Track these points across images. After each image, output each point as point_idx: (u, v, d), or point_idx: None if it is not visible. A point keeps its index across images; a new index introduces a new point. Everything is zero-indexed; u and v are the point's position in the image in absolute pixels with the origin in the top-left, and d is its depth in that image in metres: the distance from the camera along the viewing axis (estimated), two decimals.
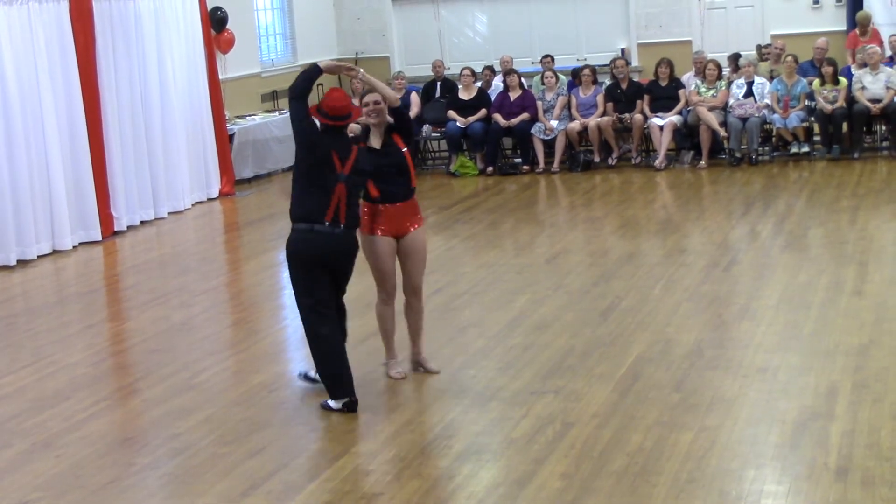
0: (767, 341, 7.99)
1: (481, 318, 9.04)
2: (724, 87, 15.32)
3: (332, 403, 7.11)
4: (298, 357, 8.63)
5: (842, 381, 7.09)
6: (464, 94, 16.31)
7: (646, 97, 15.63)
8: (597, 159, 15.74)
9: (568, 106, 15.89)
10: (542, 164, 15.77)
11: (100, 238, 12.99)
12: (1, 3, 12.00)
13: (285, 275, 11.48)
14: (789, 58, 15.19)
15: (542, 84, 16.12)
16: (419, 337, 7.72)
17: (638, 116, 15.50)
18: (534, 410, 6.93)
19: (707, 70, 15.42)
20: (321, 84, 18.25)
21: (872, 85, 14.88)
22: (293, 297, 7.34)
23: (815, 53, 15.82)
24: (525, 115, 15.81)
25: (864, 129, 15.44)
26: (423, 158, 16.85)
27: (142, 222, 13.90)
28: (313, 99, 7.51)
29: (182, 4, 14.90)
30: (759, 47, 16.75)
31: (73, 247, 12.69)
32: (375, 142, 7.38)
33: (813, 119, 15.08)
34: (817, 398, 6.84)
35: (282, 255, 12.02)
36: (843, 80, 14.96)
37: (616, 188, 14.56)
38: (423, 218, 7.62)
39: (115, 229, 13.40)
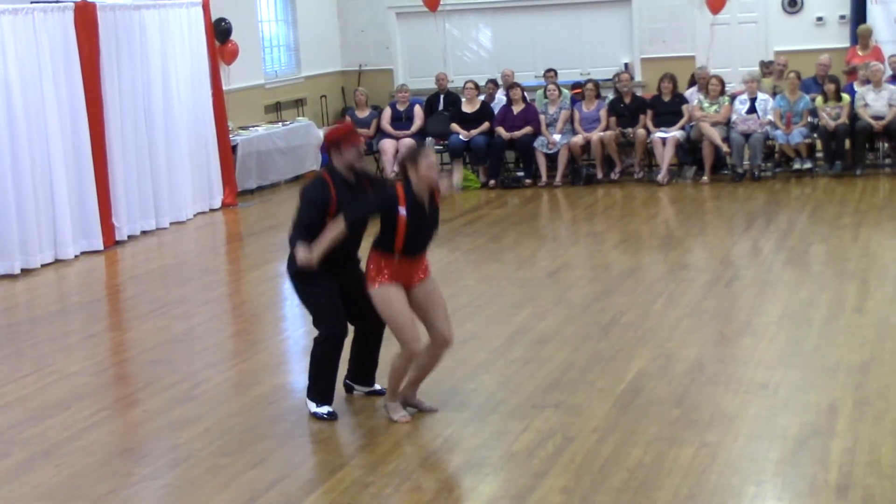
0: (768, 357, 7.98)
1: (482, 331, 9.03)
2: (726, 103, 15.34)
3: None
4: (299, 369, 8.62)
5: (843, 398, 7.09)
6: (467, 108, 16.33)
7: (649, 112, 15.64)
8: (599, 174, 15.74)
9: (571, 120, 15.91)
10: (544, 178, 15.78)
11: (102, 248, 12.99)
12: (6, 11, 12.03)
13: (286, 286, 11.52)
14: (792, 74, 15.22)
15: (546, 98, 16.14)
16: (422, 380, 7.20)
17: (641, 131, 15.51)
18: (534, 424, 6.93)
19: (710, 85, 15.44)
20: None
21: (875, 102, 14.90)
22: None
23: (818, 70, 15.85)
24: (528, 129, 15.83)
25: (867, 145, 15.46)
26: None
27: (143, 232, 13.90)
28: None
29: (187, 15, 14.93)
30: (762, 63, 16.78)
31: (76, 256, 12.69)
32: (424, 201, 6.87)
33: (815, 135, 15.10)
34: (818, 415, 6.83)
35: (284, 267, 12.08)
36: (846, 97, 14.98)
37: (618, 203, 14.57)
38: (429, 267, 7.06)
39: (117, 239, 13.40)
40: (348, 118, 16.81)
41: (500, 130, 15.92)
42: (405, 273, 6.88)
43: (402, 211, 6.77)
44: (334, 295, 7.16)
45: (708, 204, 14.07)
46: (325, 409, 7.22)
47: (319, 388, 7.26)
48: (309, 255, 6.90)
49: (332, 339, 7.16)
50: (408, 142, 6.50)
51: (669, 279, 10.39)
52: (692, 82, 16.32)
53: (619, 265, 11.19)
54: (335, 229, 6.88)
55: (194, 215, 14.84)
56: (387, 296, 6.83)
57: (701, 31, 18.21)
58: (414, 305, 6.93)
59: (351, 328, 7.36)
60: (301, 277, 7.16)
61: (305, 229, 7.05)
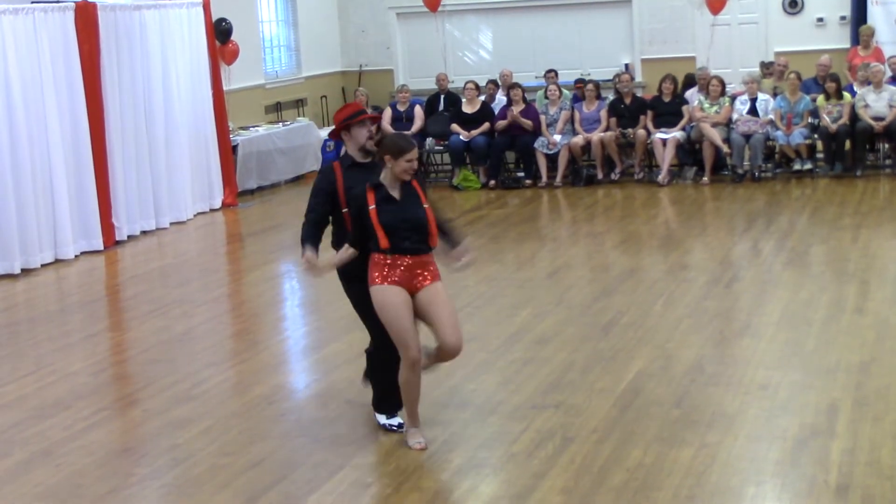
0: (768, 358, 7.99)
1: (482, 331, 9.03)
2: (727, 104, 15.34)
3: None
4: (299, 369, 8.65)
5: (843, 398, 7.09)
6: (467, 108, 16.34)
7: (649, 112, 15.65)
8: (599, 174, 15.75)
9: (571, 120, 15.91)
10: (544, 179, 15.79)
11: (102, 248, 12.99)
12: (6, 11, 12.03)
13: (287, 286, 11.58)
14: (792, 75, 15.22)
15: (546, 98, 16.15)
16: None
17: (641, 132, 15.52)
18: (534, 425, 6.93)
19: (710, 86, 15.44)
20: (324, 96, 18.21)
21: (875, 103, 14.90)
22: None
23: (819, 70, 15.86)
24: (528, 123, 15.82)
25: (867, 146, 15.46)
26: (426, 172, 16.87)
27: (143, 232, 13.91)
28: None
29: (187, 15, 14.94)
30: (762, 64, 16.78)
31: (76, 256, 12.70)
32: (394, 192, 6.56)
33: (816, 136, 15.10)
34: (818, 415, 6.83)
35: (285, 267, 12.09)
36: (848, 96, 14.98)
37: (618, 203, 14.57)
38: (437, 272, 6.65)
39: (117, 239, 13.40)
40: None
41: (501, 125, 15.90)
42: (406, 275, 6.55)
43: (371, 206, 6.47)
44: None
45: (708, 205, 14.07)
46: (395, 421, 6.99)
47: (384, 398, 7.01)
48: (315, 262, 6.69)
49: (386, 351, 6.83)
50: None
51: (669, 280, 10.39)
52: (688, 83, 16.29)
53: (620, 266, 11.19)
54: (345, 252, 6.64)
55: (194, 215, 14.84)
56: (384, 297, 6.51)
57: (701, 31, 18.20)
58: (419, 311, 6.59)
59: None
60: (349, 277, 6.89)
61: (309, 213, 6.90)
